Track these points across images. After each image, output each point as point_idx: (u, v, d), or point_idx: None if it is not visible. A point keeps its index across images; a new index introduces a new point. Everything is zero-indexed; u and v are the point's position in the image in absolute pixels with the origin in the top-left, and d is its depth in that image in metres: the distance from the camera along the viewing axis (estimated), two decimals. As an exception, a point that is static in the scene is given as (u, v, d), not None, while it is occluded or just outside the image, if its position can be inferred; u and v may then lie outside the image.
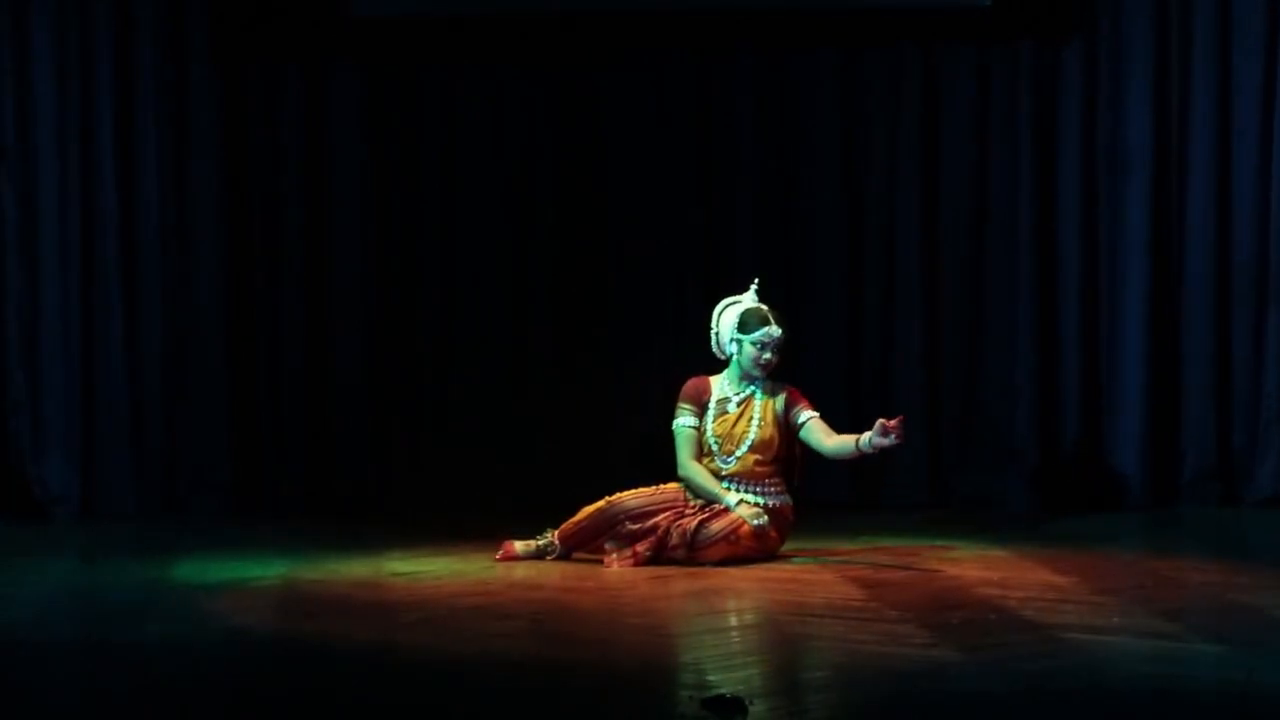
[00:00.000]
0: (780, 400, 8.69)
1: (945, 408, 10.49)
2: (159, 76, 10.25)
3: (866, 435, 8.41)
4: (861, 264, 10.50)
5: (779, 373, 8.79)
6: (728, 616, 7.56)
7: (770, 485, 8.63)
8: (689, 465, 8.63)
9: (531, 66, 10.45)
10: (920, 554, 8.77)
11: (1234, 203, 10.33)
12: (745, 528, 8.50)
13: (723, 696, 5.83)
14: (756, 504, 8.55)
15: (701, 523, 8.48)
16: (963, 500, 10.44)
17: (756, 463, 8.61)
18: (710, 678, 6.33)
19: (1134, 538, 9.72)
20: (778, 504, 8.63)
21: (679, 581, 8.12)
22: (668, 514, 8.53)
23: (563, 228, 10.50)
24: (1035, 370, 10.39)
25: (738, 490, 8.58)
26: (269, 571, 8.44)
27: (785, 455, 8.68)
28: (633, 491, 8.62)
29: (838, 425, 9.22)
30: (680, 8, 10.43)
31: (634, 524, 8.52)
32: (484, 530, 9.36)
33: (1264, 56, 10.28)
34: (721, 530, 8.48)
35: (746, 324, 8.66)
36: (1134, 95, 10.33)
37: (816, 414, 8.68)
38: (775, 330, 8.65)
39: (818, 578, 8.18)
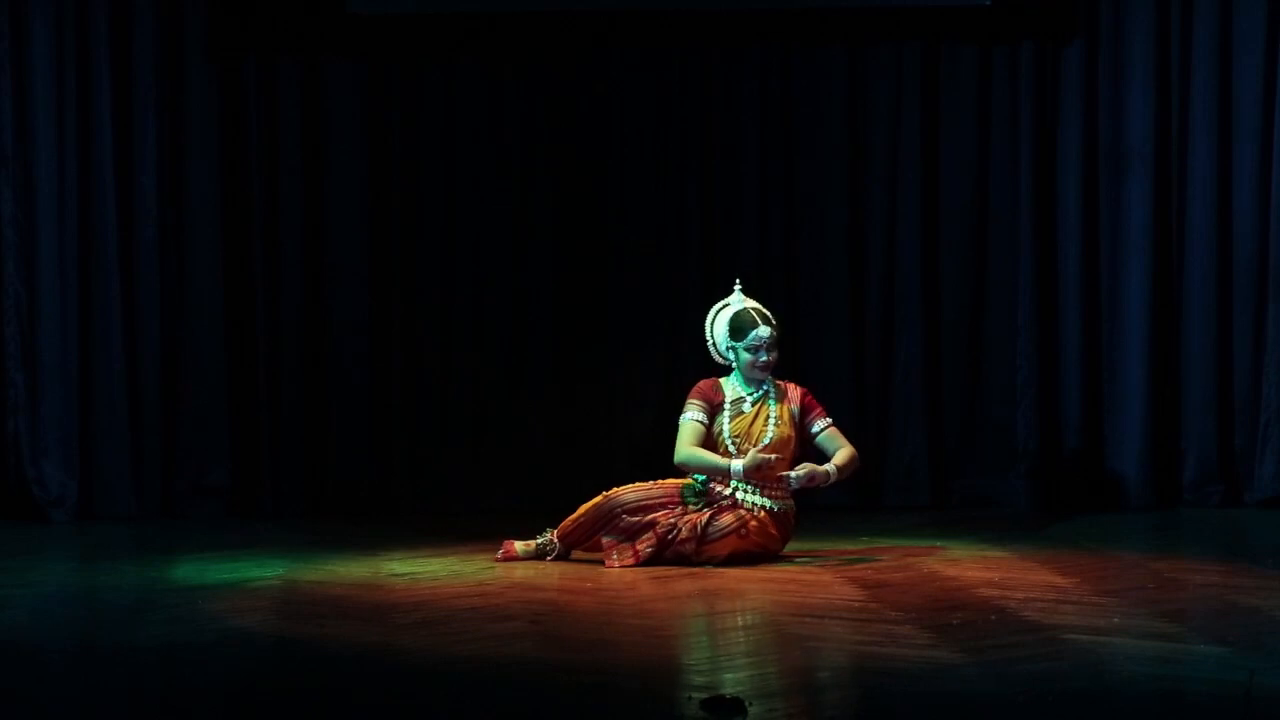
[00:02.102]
0: (796, 406, 8.70)
1: (946, 408, 10.48)
2: (158, 76, 10.23)
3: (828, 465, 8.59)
4: (862, 263, 10.49)
5: (782, 371, 8.81)
6: (727, 617, 7.54)
7: (778, 488, 8.61)
8: (686, 449, 8.62)
9: (531, 63, 10.44)
10: (921, 555, 8.76)
11: (1234, 202, 10.34)
12: (754, 521, 8.50)
13: (722, 697, 5.83)
14: (763, 506, 8.54)
15: (712, 516, 8.48)
16: (963, 501, 10.43)
17: (773, 466, 8.60)
18: (710, 678, 6.32)
19: (1135, 538, 9.71)
20: (783, 508, 8.62)
21: (679, 582, 8.11)
22: (665, 510, 8.53)
23: (563, 227, 10.48)
24: (1035, 370, 10.38)
25: (750, 491, 8.56)
26: (269, 572, 8.43)
27: (800, 457, 8.69)
28: (631, 485, 8.62)
29: (839, 426, 9.22)
30: (681, 6, 10.42)
31: (631, 517, 8.52)
32: (484, 530, 9.36)
33: (1264, 56, 10.28)
34: (732, 524, 8.47)
35: (739, 330, 8.68)
36: (1134, 95, 10.33)
37: (830, 421, 8.72)
38: (764, 331, 8.65)
39: (818, 578, 8.17)
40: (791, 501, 8.67)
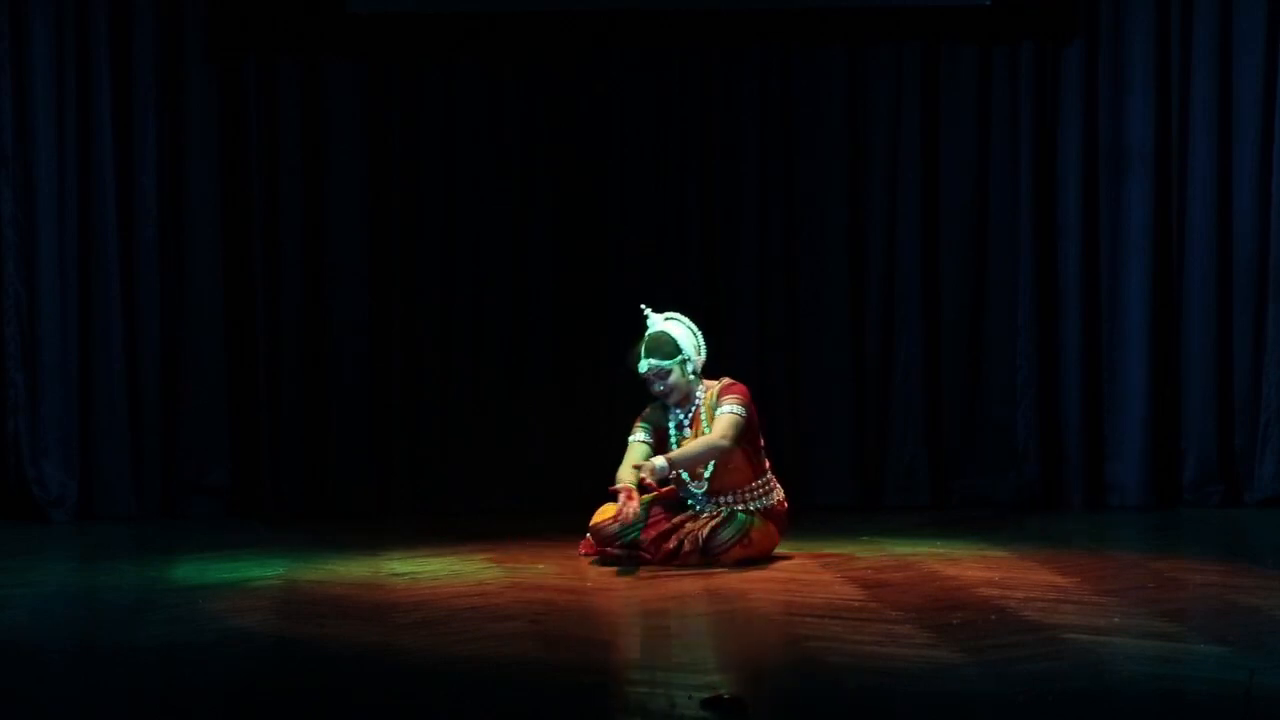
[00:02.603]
0: (714, 398, 8.56)
1: (946, 409, 10.47)
2: (158, 76, 10.23)
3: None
4: (862, 263, 10.48)
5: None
6: (727, 616, 7.54)
7: (751, 491, 8.56)
8: (624, 472, 8.45)
9: (531, 63, 10.43)
10: (920, 554, 8.75)
11: (1234, 202, 10.35)
12: (754, 531, 8.47)
13: (722, 697, 5.83)
14: (746, 508, 8.52)
15: (713, 529, 8.43)
16: (963, 501, 10.42)
17: (728, 472, 8.53)
18: (709, 678, 6.32)
19: (1135, 538, 9.72)
20: (768, 505, 8.59)
21: (679, 581, 8.11)
22: (647, 529, 8.48)
23: (563, 227, 10.47)
24: (1035, 370, 10.38)
25: (726, 504, 8.52)
26: (269, 572, 8.43)
27: (750, 451, 8.55)
28: (607, 514, 8.52)
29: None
30: (681, 6, 10.42)
31: (618, 550, 8.48)
32: (484, 530, 9.36)
33: (1264, 56, 10.28)
34: (733, 535, 8.44)
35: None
36: (1134, 95, 10.33)
37: (732, 411, 8.41)
38: (643, 366, 8.52)
39: (818, 578, 8.17)
40: (776, 494, 8.59)
